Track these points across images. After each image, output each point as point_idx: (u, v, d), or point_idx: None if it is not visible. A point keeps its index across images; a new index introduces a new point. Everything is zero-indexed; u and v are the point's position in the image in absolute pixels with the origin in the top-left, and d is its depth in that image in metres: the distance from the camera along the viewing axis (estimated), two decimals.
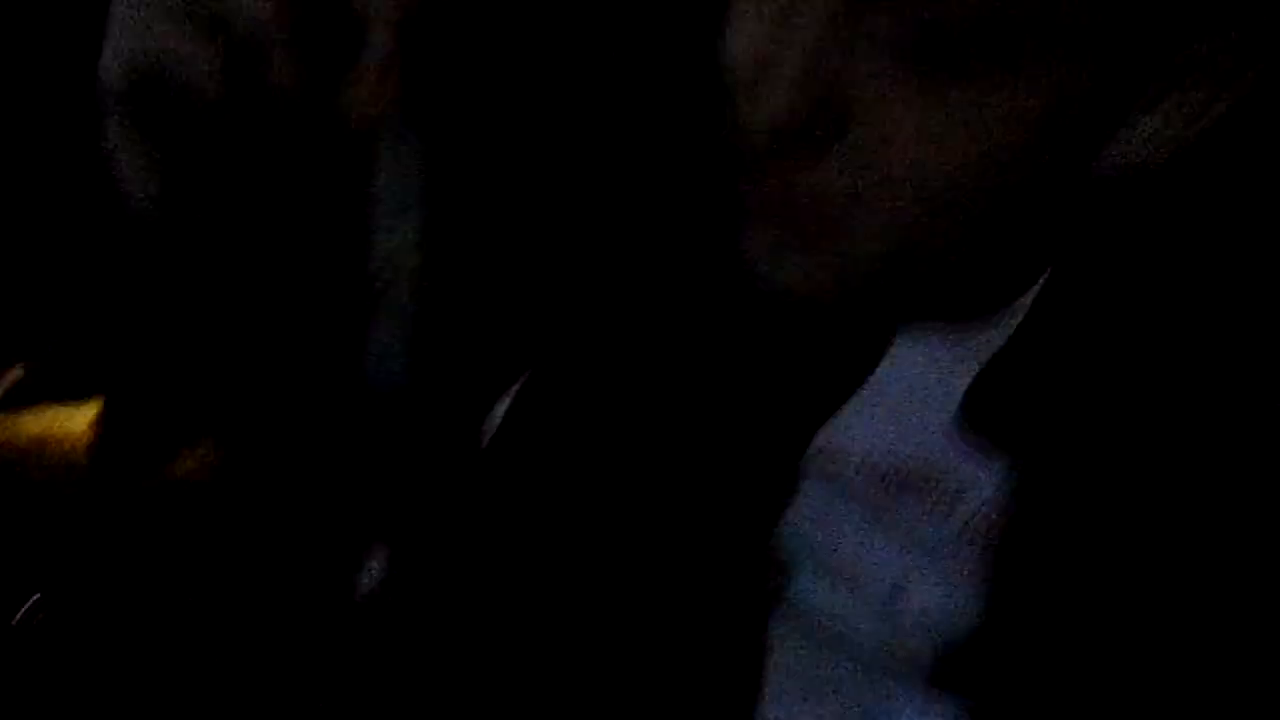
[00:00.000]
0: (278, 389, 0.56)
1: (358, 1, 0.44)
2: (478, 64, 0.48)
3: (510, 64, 0.48)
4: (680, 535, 0.62)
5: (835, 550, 0.64)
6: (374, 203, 0.47)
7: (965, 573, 0.59)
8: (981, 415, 0.58)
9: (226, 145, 0.47)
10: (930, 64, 0.49)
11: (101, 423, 0.66)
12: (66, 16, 0.48)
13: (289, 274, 0.54)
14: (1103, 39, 0.49)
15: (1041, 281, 0.59)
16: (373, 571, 0.54)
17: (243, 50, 0.45)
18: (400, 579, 0.55)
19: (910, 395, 0.61)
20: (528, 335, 0.63)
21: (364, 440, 0.46)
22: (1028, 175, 0.52)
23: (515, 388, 0.64)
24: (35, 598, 0.70)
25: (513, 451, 0.64)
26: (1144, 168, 0.53)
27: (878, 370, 0.61)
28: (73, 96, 0.50)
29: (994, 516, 0.59)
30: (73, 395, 0.69)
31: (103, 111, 0.49)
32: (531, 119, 0.53)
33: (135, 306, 0.56)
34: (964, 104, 0.50)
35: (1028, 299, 0.60)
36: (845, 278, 0.53)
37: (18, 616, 0.72)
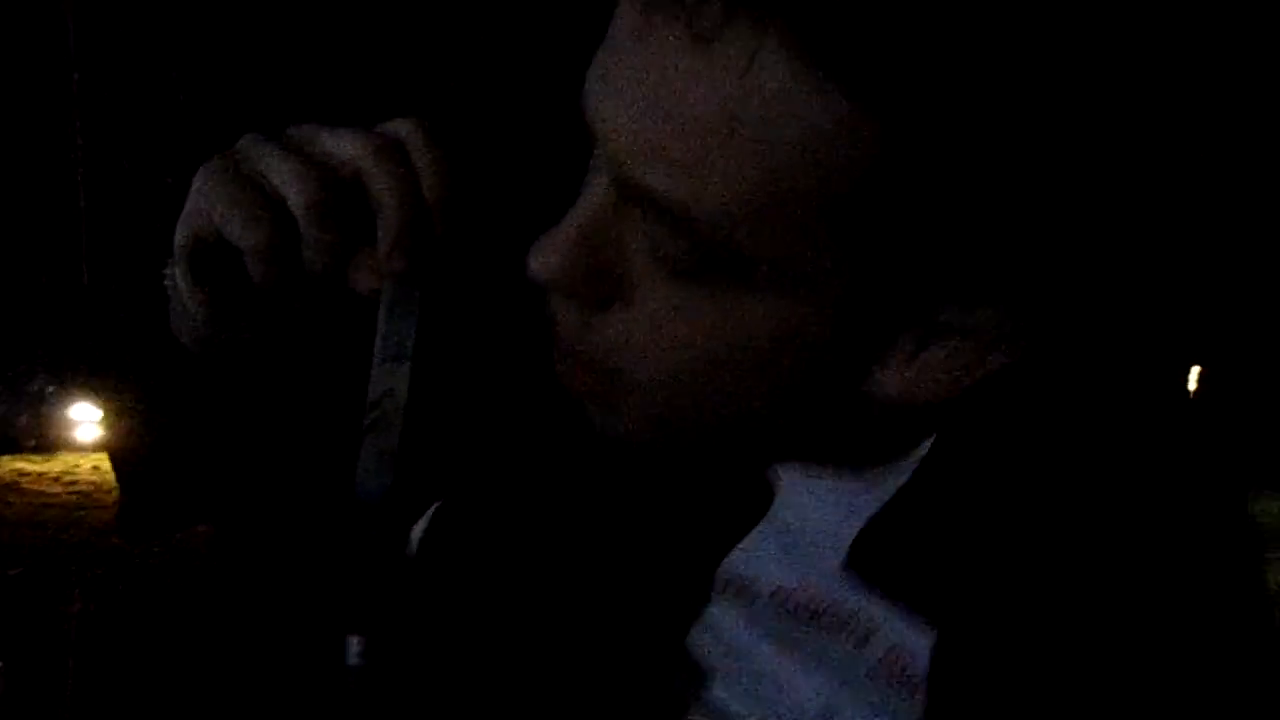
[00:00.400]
0: (281, 489, 0.67)
1: (373, 202, 0.56)
2: (460, 259, 0.58)
3: (483, 260, 0.59)
4: (589, 639, 0.65)
5: (755, 674, 0.65)
6: (374, 352, 0.57)
7: (884, 708, 0.62)
8: (867, 563, 0.62)
9: (262, 298, 0.59)
10: (674, 270, 0.53)
11: (124, 496, 0.73)
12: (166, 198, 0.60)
13: (302, 401, 0.65)
14: (824, 283, 0.52)
15: (927, 445, 0.61)
16: (354, 649, 0.59)
17: (283, 231, 0.56)
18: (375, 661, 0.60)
19: (813, 536, 0.64)
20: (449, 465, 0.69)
21: (344, 536, 0.56)
22: (770, 379, 0.55)
23: (431, 511, 0.70)
24: None
25: (434, 568, 0.69)
26: (921, 397, 0.56)
27: (781, 510, 0.65)
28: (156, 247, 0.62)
29: (905, 660, 0.61)
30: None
31: (171, 259, 0.60)
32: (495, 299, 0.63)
33: (169, 410, 0.66)
34: (702, 308, 0.53)
35: (915, 458, 0.61)
36: (636, 429, 0.58)
37: None
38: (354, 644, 0.55)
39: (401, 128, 0.57)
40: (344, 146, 0.56)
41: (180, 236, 0.58)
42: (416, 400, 0.57)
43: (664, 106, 0.49)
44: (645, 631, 0.65)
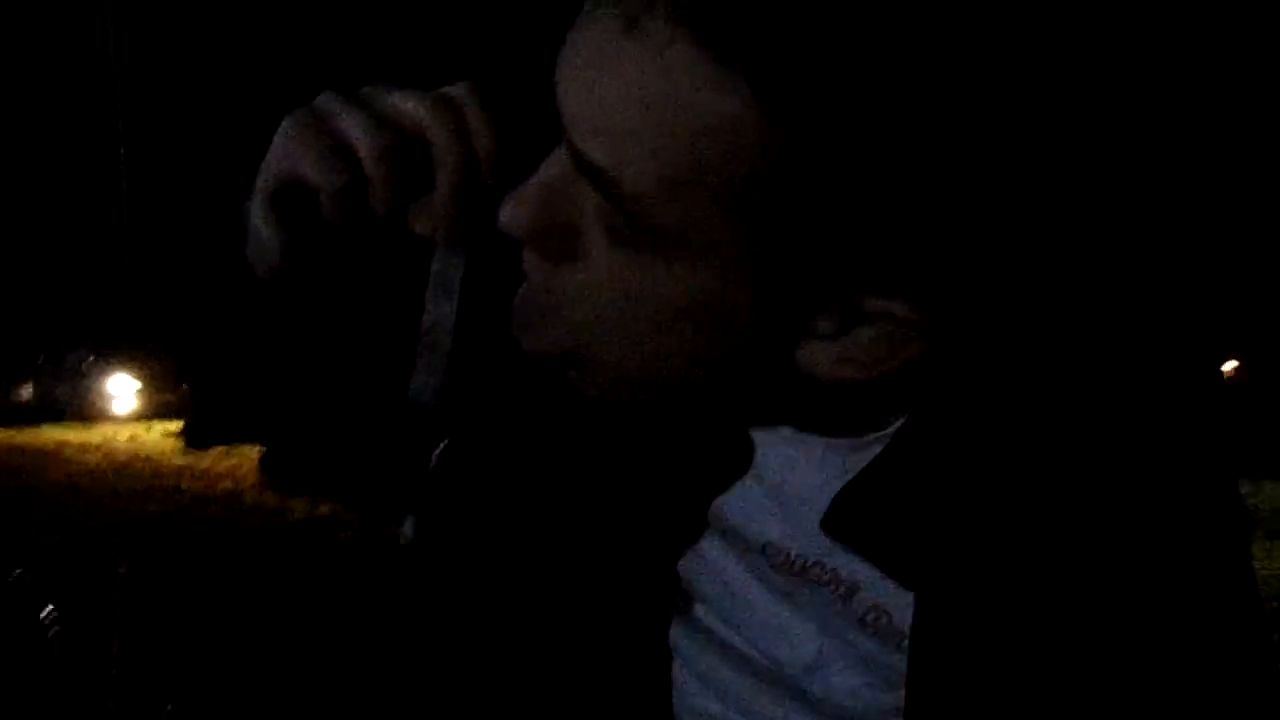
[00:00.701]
0: (343, 401, 0.74)
1: (433, 155, 0.63)
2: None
3: None
4: (581, 557, 0.69)
5: (748, 612, 0.68)
6: (428, 286, 0.64)
7: (871, 662, 0.65)
8: (840, 526, 0.64)
9: (333, 237, 0.65)
10: (613, 237, 0.57)
11: (194, 408, 0.80)
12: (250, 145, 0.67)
13: (366, 327, 0.73)
14: (738, 260, 0.55)
15: (903, 418, 0.64)
16: (407, 528, 0.67)
17: (354, 176, 0.62)
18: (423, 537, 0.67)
19: (799, 496, 0.67)
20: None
21: (399, 438, 0.63)
22: (695, 346, 0.58)
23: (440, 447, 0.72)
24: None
25: (448, 491, 0.72)
26: (848, 376, 0.58)
27: (769, 468, 0.67)
28: (237, 187, 0.69)
29: (888, 616, 0.65)
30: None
31: (253, 199, 0.66)
32: None
33: (246, 337, 0.72)
34: (632, 275, 0.57)
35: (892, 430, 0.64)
36: (600, 385, 0.62)
37: None
38: (407, 523, 0.62)
39: (458, 91, 0.64)
40: (409, 105, 0.63)
41: (263, 178, 0.65)
42: (461, 327, 0.65)
43: (598, 83, 0.54)
44: (636, 552, 0.68)
